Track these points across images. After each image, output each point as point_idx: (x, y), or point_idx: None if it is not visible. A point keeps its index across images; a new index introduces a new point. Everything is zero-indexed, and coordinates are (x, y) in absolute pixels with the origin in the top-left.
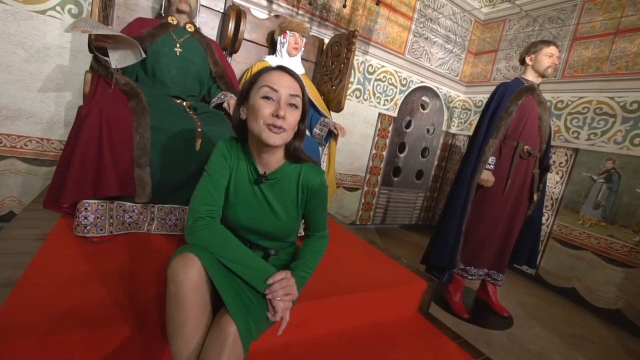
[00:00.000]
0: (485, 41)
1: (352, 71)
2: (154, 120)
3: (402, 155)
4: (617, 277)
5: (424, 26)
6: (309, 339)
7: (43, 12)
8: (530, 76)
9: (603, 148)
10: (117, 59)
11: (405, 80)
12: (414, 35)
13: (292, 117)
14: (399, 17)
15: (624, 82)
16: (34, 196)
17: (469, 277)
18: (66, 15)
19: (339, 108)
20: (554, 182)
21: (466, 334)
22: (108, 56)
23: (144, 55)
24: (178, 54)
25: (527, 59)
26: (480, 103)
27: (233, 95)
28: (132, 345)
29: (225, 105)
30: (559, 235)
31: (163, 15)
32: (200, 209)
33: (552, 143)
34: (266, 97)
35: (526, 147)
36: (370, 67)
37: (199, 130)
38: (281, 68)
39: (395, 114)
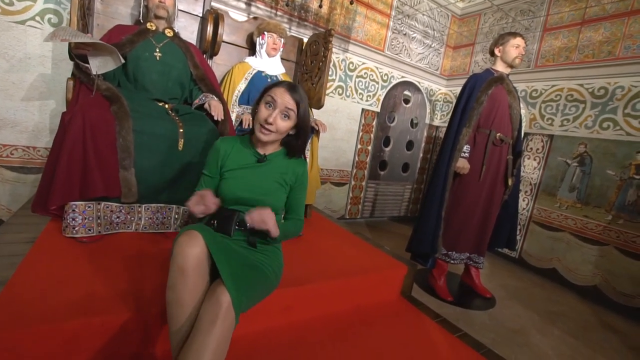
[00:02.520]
0: (463, 35)
1: (334, 69)
2: (136, 123)
3: (387, 149)
4: (592, 255)
5: (402, 23)
6: (293, 323)
7: (22, 22)
8: (500, 67)
9: (575, 133)
10: (97, 66)
11: (386, 76)
12: (393, 32)
13: (282, 125)
14: (377, 15)
15: (591, 70)
16: (22, 204)
17: (452, 261)
18: (46, 25)
19: (319, 105)
20: (531, 167)
21: (449, 315)
22: (88, 63)
23: (123, 61)
24: (158, 58)
25: (496, 51)
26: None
27: (214, 97)
28: (125, 333)
29: (206, 106)
30: (538, 218)
31: (142, 21)
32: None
33: (529, 131)
34: (267, 104)
35: (498, 134)
36: (351, 65)
37: (181, 131)
38: (289, 85)
39: (378, 109)
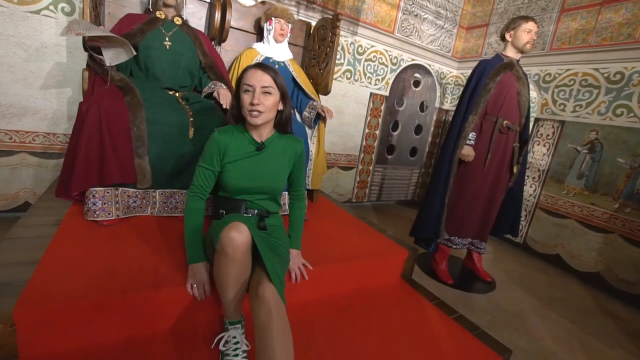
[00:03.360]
0: (477, 15)
1: (342, 52)
2: (149, 113)
3: (395, 133)
4: (597, 242)
5: (413, 3)
6: (296, 303)
7: (37, 12)
8: (510, 52)
9: (587, 119)
10: (111, 57)
11: (395, 59)
12: (403, 13)
13: (267, 101)
14: None
15: (609, 53)
16: (45, 187)
17: (454, 246)
18: (60, 14)
19: (326, 91)
20: (540, 154)
21: (449, 298)
22: (102, 55)
23: (134, 53)
24: (168, 47)
25: (507, 35)
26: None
27: (222, 85)
28: (144, 306)
29: (215, 94)
30: (545, 205)
31: (151, 10)
32: (196, 182)
33: (540, 116)
34: (246, 91)
35: (505, 122)
36: (360, 48)
37: (191, 120)
38: (256, 65)
39: (387, 93)
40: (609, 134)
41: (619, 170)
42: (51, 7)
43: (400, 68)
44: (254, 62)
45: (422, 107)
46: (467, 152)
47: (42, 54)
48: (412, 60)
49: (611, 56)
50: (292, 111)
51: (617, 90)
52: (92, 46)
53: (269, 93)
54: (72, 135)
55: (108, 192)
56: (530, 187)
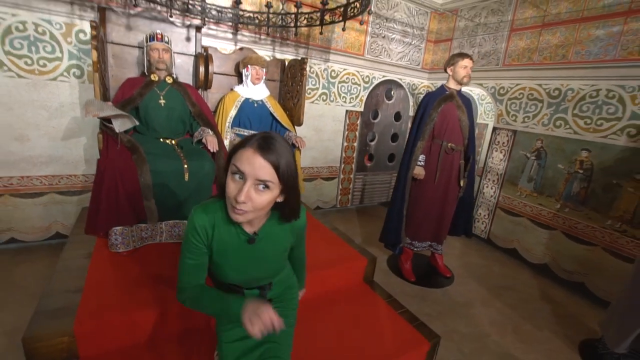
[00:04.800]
0: (442, 31)
1: (317, 78)
2: (152, 165)
3: (372, 143)
4: (544, 237)
5: (380, 27)
6: None
7: (54, 79)
8: (452, 84)
9: (534, 129)
10: (119, 125)
11: (367, 78)
12: (371, 37)
13: (260, 198)
14: (355, 23)
15: (548, 71)
16: (71, 218)
17: (415, 248)
18: (72, 78)
19: (299, 123)
20: (498, 159)
21: (410, 293)
22: (112, 124)
23: (137, 123)
24: (162, 105)
25: (448, 70)
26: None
27: (209, 131)
28: (163, 317)
29: (204, 140)
30: (503, 205)
31: (147, 73)
32: (187, 285)
33: (497, 125)
34: (234, 173)
35: (450, 144)
36: (333, 72)
37: (185, 166)
38: (258, 146)
39: (361, 109)
40: (551, 142)
41: (560, 175)
42: (65, 74)
43: (373, 85)
44: (236, 102)
45: (397, 116)
46: (418, 171)
47: (61, 112)
48: (384, 76)
49: (550, 74)
50: None
51: (556, 105)
52: (105, 118)
53: (266, 187)
54: (95, 186)
55: (125, 230)
56: (491, 189)
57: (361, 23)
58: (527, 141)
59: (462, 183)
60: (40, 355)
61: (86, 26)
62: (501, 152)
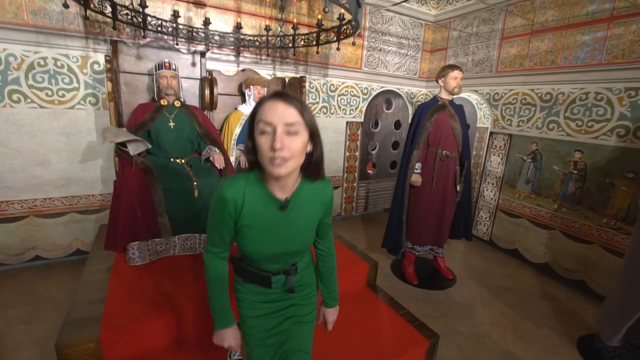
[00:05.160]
0: (437, 41)
1: (317, 93)
2: (164, 183)
3: (374, 152)
4: (544, 237)
5: (375, 40)
6: None
7: (72, 107)
8: (444, 94)
9: (529, 133)
10: (133, 149)
11: (366, 89)
12: (368, 50)
13: (293, 144)
14: (351, 38)
15: (539, 76)
16: (90, 236)
17: (416, 253)
18: (88, 105)
19: None
20: (496, 163)
21: (412, 296)
22: (127, 147)
23: (149, 146)
24: (172, 127)
25: (439, 82)
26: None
27: (216, 149)
28: (180, 324)
29: (211, 158)
30: (503, 207)
31: (157, 98)
32: (214, 250)
33: (494, 130)
34: (263, 132)
35: (445, 152)
36: (332, 86)
37: (195, 183)
38: (276, 95)
39: (361, 120)
40: (546, 145)
41: (555, 176)
42: (81, 102)
43: (371, 96)
44: (240, 121)
45: (397, 125)
46: (415, 179)
47: (79, 137)
48: (382, 87)
49: (541, 79)
50: None
51: (548, 108)
52: (120, 142)
53: (295, 132)
54: (112, 205)
55: (142, 244)
56: (491, 191)
57: (353, 44)
58: (522, 144)
59: (458, 188)
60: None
61: (100, 57)
62: (499, 156)
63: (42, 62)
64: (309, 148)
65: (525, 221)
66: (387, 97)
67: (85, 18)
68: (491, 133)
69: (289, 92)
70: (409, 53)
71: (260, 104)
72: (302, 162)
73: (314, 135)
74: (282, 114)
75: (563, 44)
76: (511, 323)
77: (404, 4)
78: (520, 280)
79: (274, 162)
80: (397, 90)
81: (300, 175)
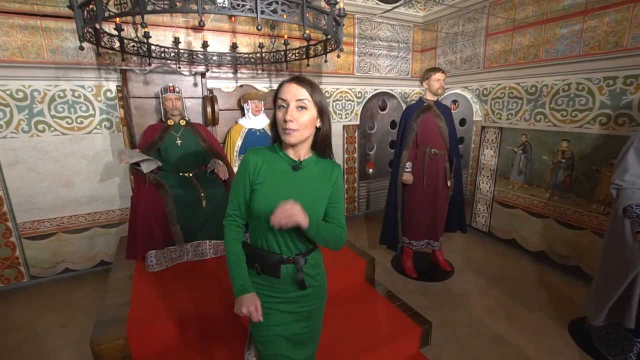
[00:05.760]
0: (426, 41)
1: None
2: (175, 196)
3: (372, 152)
4: (539, 226)
5: (365, 45)
6: None
7: (90, 132)
8: (429, 95)
9: (518, 125)
10: (146, 167)
11: (360, 93)
12: (359, 56)
13: (302, 117)
14: (343, 46)
15: (524, 70)
16: (112, 247)
17: (413, 247)
18: (104, 129)
19: None
20: (489, 156)
21: (410, 289)
22: (140, 166)
23: (159, 164)
24: (179, 144)
25: (424, 84)
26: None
27: (220, 162)
28: (198, 322)
29: (215, 170)
30: (498, 198)
31: (164, 119)
32: (231, 213)
33: (485, 124)
34: (280, 107)
35: (433, 150)
36: (327, 93)
37: (202, 194)
38: (292, 79)
39: (357, 122)
40: (534, 136)
41: (545, 166)
42: (97, 127)
43: (366, 99)
44: (241, 133)
45: (392, 125)
46: (407, 177)
47: (97, 158)
48: (375, 90)
49: (526, 72)
50: None
51: (534, 101)
52: (134, 162)
53: (304, 108)
54: (131, 219)
55: (158, 253)
56: (486, 184)
57: (338, 56)
58: (512, 137)
59: (449, 183)
60: (103, 355)
61: (112, 85)
62: (491, 149)
63: (61, 94)
64: (318, 123)
65: (521, 211)
66: (382, 98)
67: (98, 54)
68: (483, 127)
69: (304, 76)
70: (399, 55)
71: (280, 85)
72: (312, 137)
73: (322, 113)
74: (295, 92)
75: (543, 38)
76: (505, 309)
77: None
78: (517, 269)
79: (285, 131)
80: (391, 92)
81: (312, 150)
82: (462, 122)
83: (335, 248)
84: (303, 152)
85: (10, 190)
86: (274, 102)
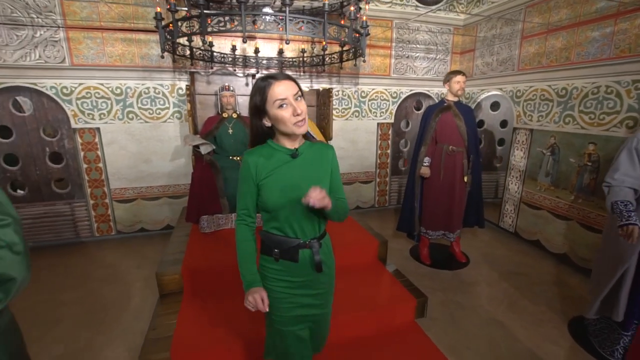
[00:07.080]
0: (465, 43)
1: (349, 99)
2: (224, 174)
3: (405, 149)
4: (562, 228)
5: (403, 48)
6: None
7: (165, 121)
8: (450, 97)
9: (548, 127)
10: (204, 150)
11: (395, 94)
12: (396, 59)
13: (304, 106)
14: (379, 50)
15: (555, 73)
16: (176, 214)
17: (430, 237)
18: (175, 119)
19: (330, 138)
20: (519, 157)
21: (422, 273)
22: (199, 148)
23: (214, 147)
24: (231, 133)
25: (445, 86)
26: (468, 95)
27: None
28: (234, 274)
29: None
30: (525, 199)
31: (220, 112)
32: (239, 211)
33: (516, 125)
34: (281, 106)
35: (451, 147)
36: (362, 93)
37: None
38: (276, 77)
39: (392, 121)
40: (562, 138)
41: (572, 169)
42: (170, 117)
43: (401, 99)
44: None
45: None
46: (424, 171)
47: (168, 142)
48: (411, 90)
49: (557, 75)
50: None
51: (564, 103)
52: (195, 145)
53: (301, 97)
54: (190, 191)
55: (209, 218)
56: (515, 185)
57: (364, 61)
58: (542, 138)
59: (465, 179)
60: (165, 284)
61: (182, 84)
62: (521, 150)
63: (146, 91)
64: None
65: (546, 213)
66: (417, 98)
67: (174, 60)
68: (514, 129)
69: (280, 73)
70: (437, 57)
71: (267, 87)
72: None
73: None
74: (288, 88)
75: (575, 40)
76: (509, 300)
77: (430, 13)
78: (535, 268)
79: (298, 124)
80: (427, 92)
81: (302, 138)
82: (504, 123)
83: (342, 220)
84: (297, 141)
85: (107, 163)
86: (256, 109)
